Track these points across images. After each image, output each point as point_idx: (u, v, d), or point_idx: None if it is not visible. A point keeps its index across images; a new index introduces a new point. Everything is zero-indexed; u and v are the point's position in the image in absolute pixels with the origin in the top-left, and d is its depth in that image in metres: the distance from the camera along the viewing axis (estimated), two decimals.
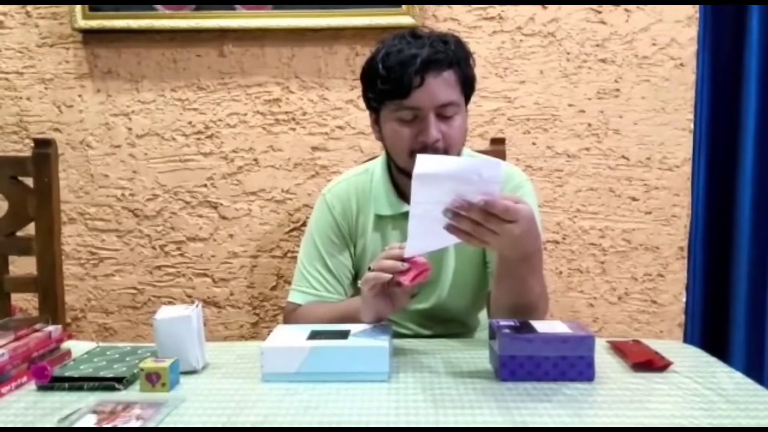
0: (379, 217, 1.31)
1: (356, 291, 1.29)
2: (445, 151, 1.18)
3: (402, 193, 1.29)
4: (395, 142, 1.22)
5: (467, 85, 1.23)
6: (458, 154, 1.23)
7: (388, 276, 1.04)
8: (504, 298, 1.15)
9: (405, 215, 1.08)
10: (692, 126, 1.86)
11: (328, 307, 1.29)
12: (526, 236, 1.00)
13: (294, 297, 1.34)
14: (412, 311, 1.33)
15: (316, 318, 1.22)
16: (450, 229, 0.97)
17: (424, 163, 0.94)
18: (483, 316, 1.42)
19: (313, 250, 1.34)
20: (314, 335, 1.05)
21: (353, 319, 1.13)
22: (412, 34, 1.20)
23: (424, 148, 1.14)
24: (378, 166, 1.35)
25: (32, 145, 1.50)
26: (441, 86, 1.16)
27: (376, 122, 1.27)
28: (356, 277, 1.35)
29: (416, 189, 0.95)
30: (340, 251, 1.33)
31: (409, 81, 1.14)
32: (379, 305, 1.09)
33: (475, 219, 0.95)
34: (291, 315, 1.33)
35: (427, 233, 0.99)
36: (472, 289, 1.35)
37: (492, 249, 1.10)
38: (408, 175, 1.11)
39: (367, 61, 1.23)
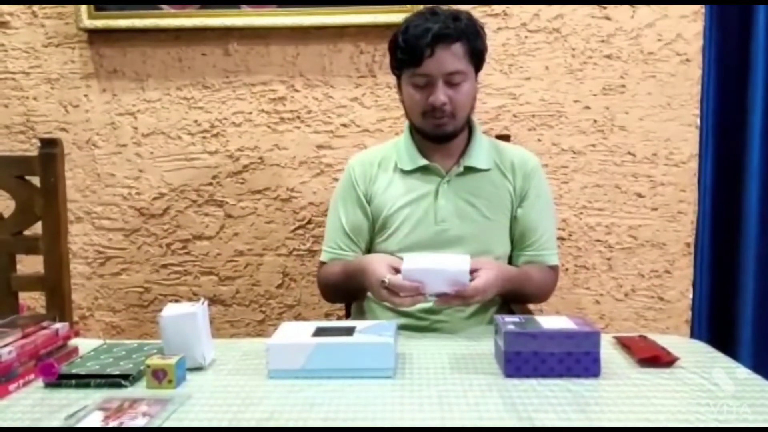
0: (401, 171, 1.44)
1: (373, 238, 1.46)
2: (453, 113, 1.34)
3: (419, 149, 1.44)
4: (411, 103, 1.39)
5: (476, 57, 1.37)
6: (466, 117, 1.39)
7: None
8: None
9: (422, 168, 1.41)
10: (698, 122, 1.85)
11: (338, 266, 1.42)
12: (494, 292, 1.27)
13: (322, 256, 1.49)
14: (413, 245, 1.39)
15: (328, 277, 1.44)
16: (437, 303, 1.22)
17: (410, 262, 1.18)
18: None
19: (334, 211, 1.49)
20: (319, 332, 1.05)
21: (355, 277, 1.31)
22: (432, 11, 1.36)
23: (433, 110, 1.33)
24: (403, 134, 1.49)
25: (39, 144, 1.50)
26: (449, 57, 1.32)
27: (399, 86, 1.43)
28: (374, 226, 1.45)
29: (407, 277, 1.17)
30: (355, 208, 1.45)
31: (421, 52, 1.31)
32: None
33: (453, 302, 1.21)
34: (318, 273, 1.50)
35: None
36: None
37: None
38: (421, 133, 1.40)
39: (393, 34, 1.39)
